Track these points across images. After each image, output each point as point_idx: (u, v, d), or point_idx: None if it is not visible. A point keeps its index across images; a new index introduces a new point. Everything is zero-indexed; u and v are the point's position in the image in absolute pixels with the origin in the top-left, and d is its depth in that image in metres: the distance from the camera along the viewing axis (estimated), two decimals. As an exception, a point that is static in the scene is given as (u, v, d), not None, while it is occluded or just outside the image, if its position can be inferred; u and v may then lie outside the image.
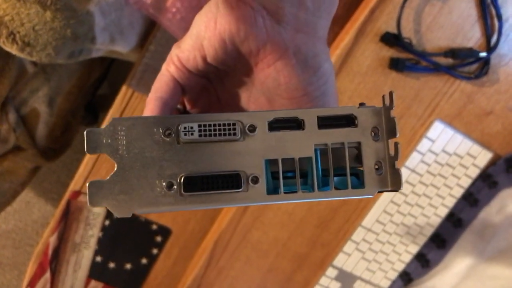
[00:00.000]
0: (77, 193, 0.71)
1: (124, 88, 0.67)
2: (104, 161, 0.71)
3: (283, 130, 0.25)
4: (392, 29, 0.64)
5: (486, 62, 0.67)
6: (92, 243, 0.73)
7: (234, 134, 0.24)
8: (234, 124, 0.24)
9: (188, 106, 0.34)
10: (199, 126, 0.24)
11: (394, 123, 0.24)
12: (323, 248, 0.73)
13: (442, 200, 0.72)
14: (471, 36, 0.66)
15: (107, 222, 0.73)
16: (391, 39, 0.64)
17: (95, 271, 0.74)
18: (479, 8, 0.65)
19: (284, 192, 0.25)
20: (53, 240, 0.72)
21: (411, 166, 0.70)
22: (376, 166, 0.25)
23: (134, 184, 0.23)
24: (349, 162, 0.25)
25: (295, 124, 0.25)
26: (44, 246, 0.72)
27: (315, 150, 0.25)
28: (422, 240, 0.74)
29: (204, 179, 0.24)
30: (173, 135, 0.24)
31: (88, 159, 0.70)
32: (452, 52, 0.65)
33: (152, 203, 0.24)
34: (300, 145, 0.25)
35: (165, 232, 0.74)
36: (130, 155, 0.24)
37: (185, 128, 0.24)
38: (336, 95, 0.31)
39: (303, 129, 0.25)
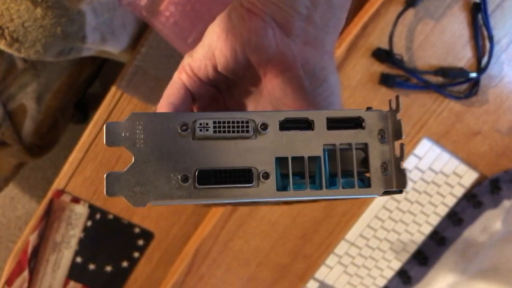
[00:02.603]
0: (60, 192, 0.71)
1: (113, 89, 0.67)
2: (89, 160, 0.70)
3: (293, 129, 0.26)
4: (384, 45, 0.64)
5: (476, 82, 0.67)
6: (73, 243, 0.73)
7: (247, 131, 0.25)
8: (247, 122, 0.25)
9: None
10: (214, 122, 0.25)
11: (400, 125, 0.25)
12: (305, 260, 0.73)
13: (426, 218, 0.72)
14: (462, 56, 0.67)
15: (89, 223, 0.72)
16: (383, 55, 0.64)
17: (75, 272, 0.74)
18: (471, 29, 0.66)
19: (294, 189, 0.25)
20: (33, 238, 0.71)
21: (397, 182, 0.70)
22: (382, 167, 0.26)
23: (150, 176, 0.24)
24: (356, 163, 0.26)
25: (305, 124, 0.26)
26: (24, 244, 0.71)
27: (324, 150, 0.26)
28: (405, 256, 0.74)
29: (218, 173, 0.25)
30: (189, 130, 0.25)
31: (73, 158, 0.70)
32: (442, 71, 0.66)
33: (167, 195, 0.24)
34: (310, 144, 0.26)
35: (147, 235, 0.74)
36: (147, 149, 0.25)
37: (200, 124, 0.25)
38: (342, 107, 0.32)
39: (313, 129, 0.26)
